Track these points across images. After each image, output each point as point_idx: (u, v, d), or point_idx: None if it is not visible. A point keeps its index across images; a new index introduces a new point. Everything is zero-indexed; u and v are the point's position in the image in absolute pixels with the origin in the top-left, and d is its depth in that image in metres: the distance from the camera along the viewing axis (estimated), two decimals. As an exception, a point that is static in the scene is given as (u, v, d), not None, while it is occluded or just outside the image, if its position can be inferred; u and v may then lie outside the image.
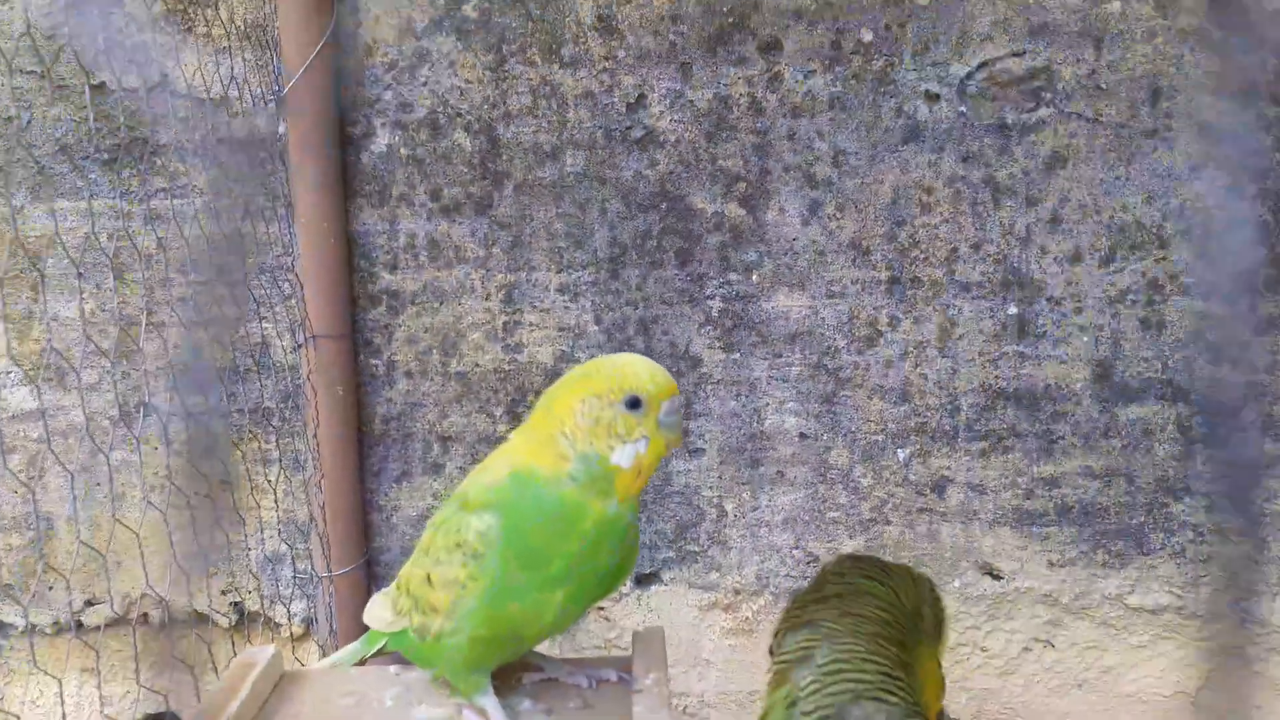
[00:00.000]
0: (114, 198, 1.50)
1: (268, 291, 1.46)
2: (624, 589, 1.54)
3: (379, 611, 0.99)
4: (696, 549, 1.52)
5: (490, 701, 0.90)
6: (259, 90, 1.44)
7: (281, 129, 1.44)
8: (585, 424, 0.83)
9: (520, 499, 0.84)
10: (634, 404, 0.83)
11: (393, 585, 0.99)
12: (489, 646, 0.87)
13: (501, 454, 0.90)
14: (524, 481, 0.85)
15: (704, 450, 1.50)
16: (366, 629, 1.01)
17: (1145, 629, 1.50)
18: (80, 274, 1.45)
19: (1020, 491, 1.49)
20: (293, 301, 1.46)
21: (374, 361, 1.50)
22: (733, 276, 1.47)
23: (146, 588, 1.06)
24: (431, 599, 0.88)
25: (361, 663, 1.03)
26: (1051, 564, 1.50)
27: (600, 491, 0.83)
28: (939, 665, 0.95)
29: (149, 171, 1.50)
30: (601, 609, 1.55)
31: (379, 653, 1.02)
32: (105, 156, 1.49)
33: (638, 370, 0.84)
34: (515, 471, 0.86)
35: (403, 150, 1.46)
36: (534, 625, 0.86)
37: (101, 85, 1.48)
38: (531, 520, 0.84)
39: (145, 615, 1.62)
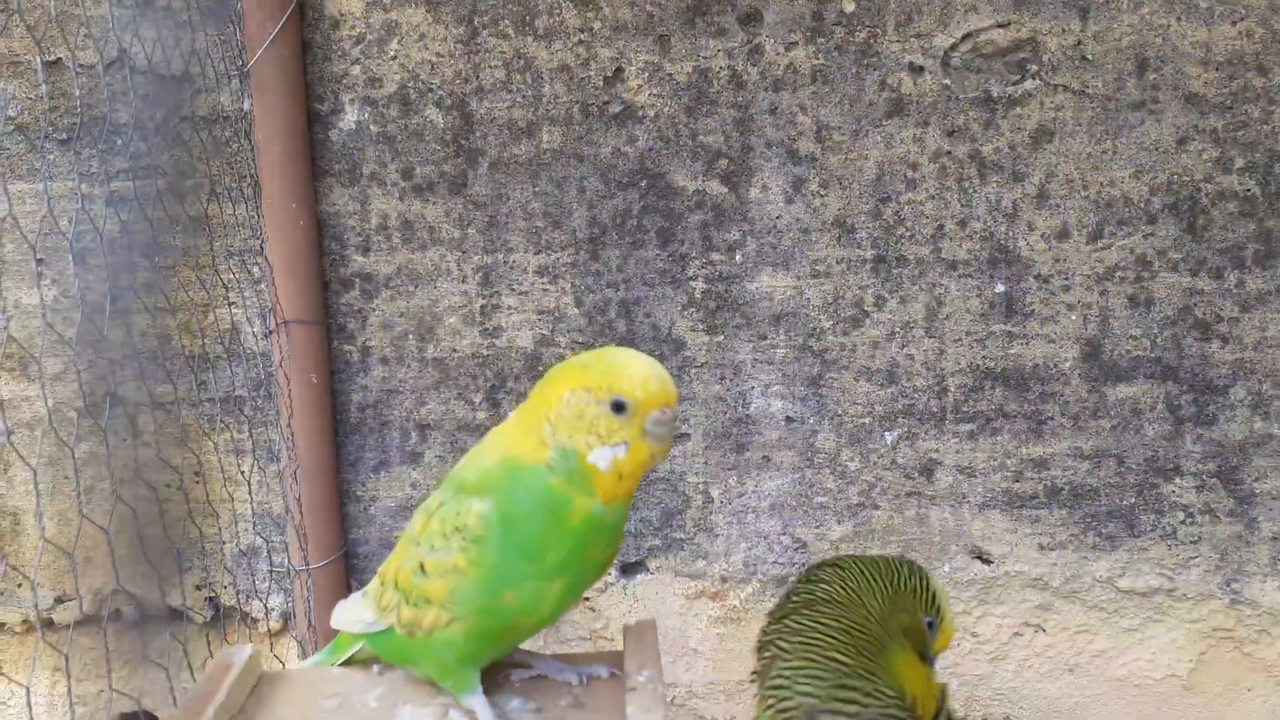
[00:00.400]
0: (73, 179, 1.44)
1: (236, 276, 1.42)
2: (609, 578, 1.50)
3: (355, 614, 0.94)
4: (683, 536, 1.49)
5: (479, 700, 0.86)
6: (222, 66, 1.39)
7: (246, 106, 1.39)
8: (568, 415, 0.80)
9: (512, 486, 0.81)
10: (619, 407, 0.79)
11: (371, 585, 0.94)
12: (483, 639, 0.84)
13: (496, 436, 0.87)
14: (512, 469, 0.82)
15: (689, 435, 1.47)
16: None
17: (1136, 612, 1.48)
18: (40, 259, 1.40)
19: (1009, 474, 1.46)
20: (262, 286, 1.42)
21: (348, 348, 1.45)
22: (715, 256, 1.43)
23: (116, 584, 1.01)
24: (425, 589, 0.84)
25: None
26: (1042, 547, 1.48)
27: (581, 489, 0.80)
28: (922, 665, 0.92)
29: (109, 152, 1.45)
30: (587, 599, 1.51)
31: (348, 661, 0.98)
32: (63, 136, 1.44)
33: (632, 373, 0.79)
34: (504, 458, 0.83)
35: (372, 127, 1.41)
36: (531, 616, 0.84)
37: (57, 61, 1.42)
38: (523, 508, 0.81)
39: (118, 612, 1.57)
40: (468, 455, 0.89)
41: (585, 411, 0.79)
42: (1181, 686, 1.50)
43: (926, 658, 0.92)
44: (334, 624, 0.96)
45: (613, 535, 0.84)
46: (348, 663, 0.98)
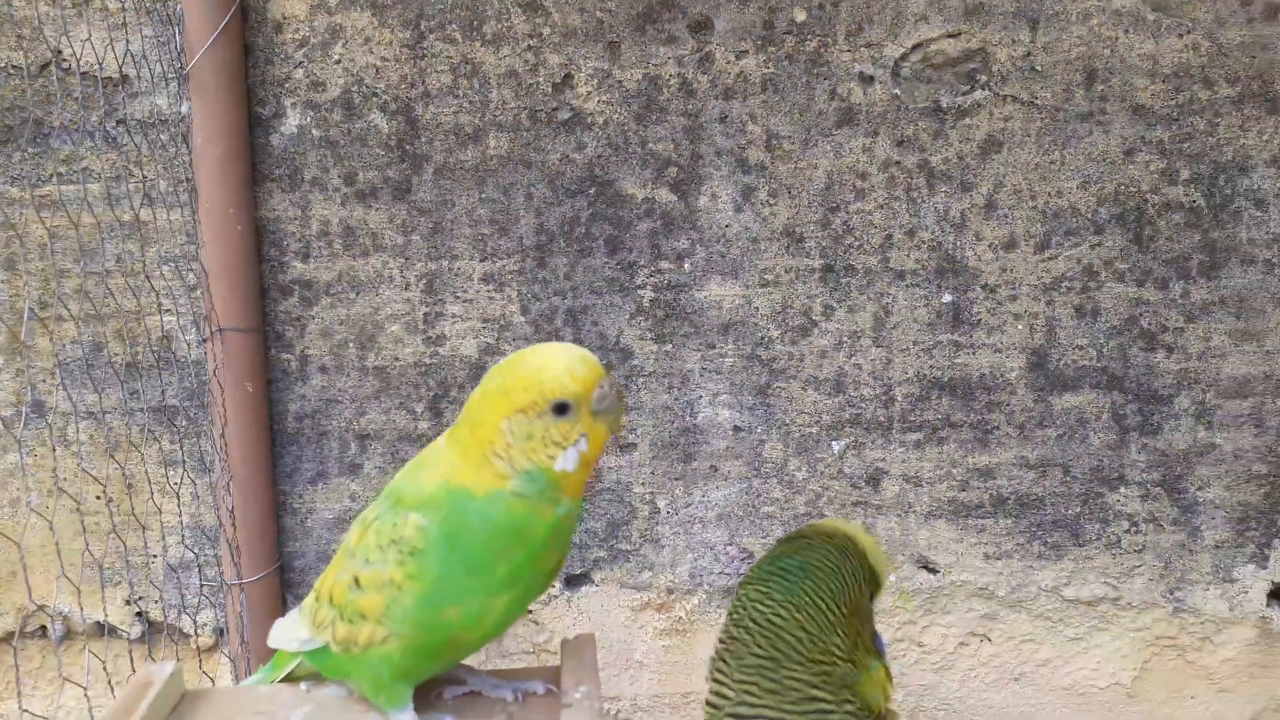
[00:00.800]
0: (3, 183, 1.40)
1: (170, 282, 1.38)
2: (554, 590, 1.48)
3: (291, 631, 0.91)
4: (628, 547, 1.47)
5: (408, 717, 0.84)
6: (160, 68, 1.35)
7: (185, 109, 1.35)
8: (518, 441, 0.77)
9: (459, 511, 0.78)
10: (562, 409, 0.77)
11: (307, 600, 0.92)
12: (421, 656, 0.81)
13: (432, 463, 0.83)
14: (461, 497, 0.79)
15: (635, 445, 1.45)
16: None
17: (1081, 621, 1.49)
18: (-36, 264, 1.36)
19: (955, 483, 1.46)
20: (198, 293, 1.38)
21: (285, 356, 1.42)
22: (664, 265, 1.42)
23: (29, 601, 0.98)
24: (360, 604, 0.81)
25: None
26: (987, 556, 1.48)
27: (550, 499, 0.78)
28: (879, 663, 0.90)
29: (42, 156, 1.40)
30: (530, 612, 1.49)
31: (288, 678, 0.95)
32: (-10, 137, 1.39)
33: (555, 372, 0.77)
34: (450, 487, 0.79)
35: (315, 131, 1.38)
36: (474, 632, 0.81)
37: (-15, 60, 1.37)
38: (474, 533, 0.78)
39: (43, 629, 1.52)
40: (404, 471, 0.87)
41: (533, 431, 0.77)
42: (1125, 694, 1.50)
43: (877, 643, 0.91)
44: (271, 642, 0.93)
45: (569, 535, 0.83)
46: (288, 678, 0.95)
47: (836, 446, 1.46)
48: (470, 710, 0.89)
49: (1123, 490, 1.46)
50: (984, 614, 1.49)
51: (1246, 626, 1.48)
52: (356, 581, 0.81)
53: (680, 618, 1.48)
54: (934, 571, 1.48)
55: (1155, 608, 1.48)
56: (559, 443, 0.77)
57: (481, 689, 0.91)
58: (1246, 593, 1.47)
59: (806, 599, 0.86)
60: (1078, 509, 1.46)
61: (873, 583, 0.91)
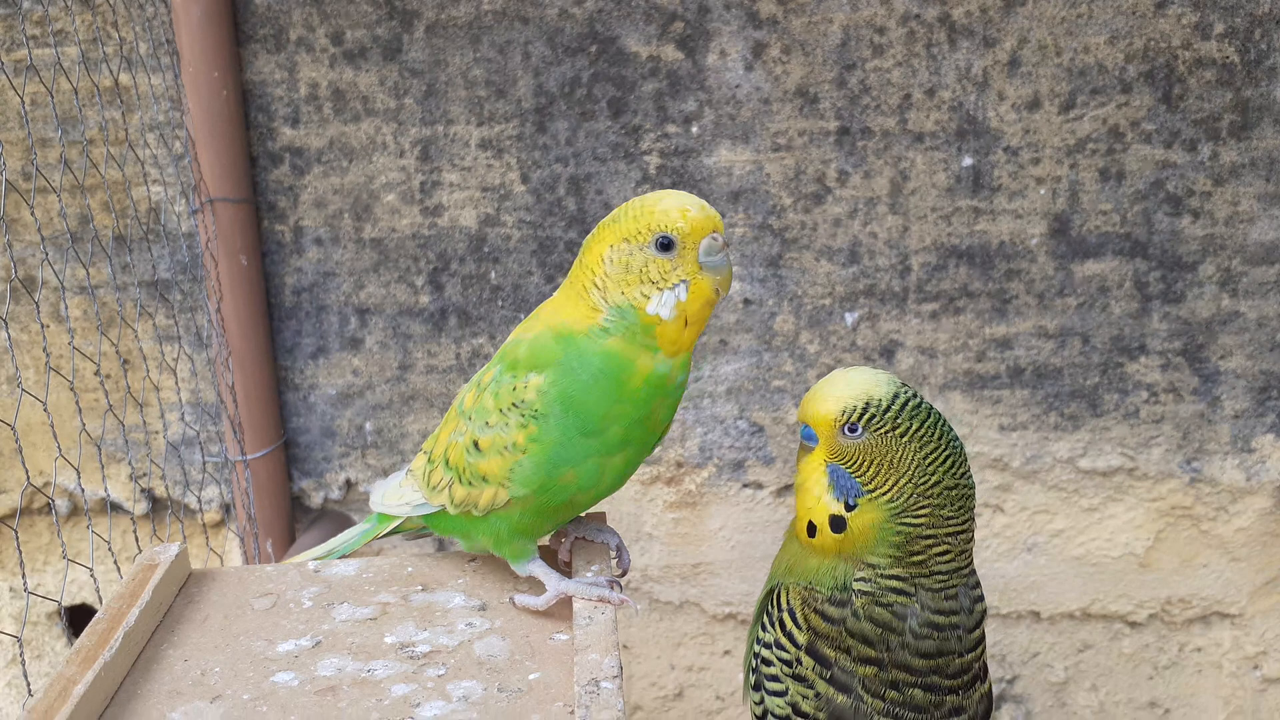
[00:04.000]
0: (-26, 47, 1.33)
1: (156, 151, 1.32)
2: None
3: (399, 495, 0.90)
4: (636, 421, 1.44)
5: (538, 566, 0.83)
6: (130, -81, 1.27)
7: (159, -36, 1.28)
8: (615, 272, 0.75)
9: (567, 356, 0.76)
10: (665, 245, 0.74)
11: (416, 461, 0.89)
12: (542, 515, 0.81)
13: (541, 310, 0.82)
14: (564, 338, 0.77)
15: (642, 317, 1.41)
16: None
17: (1096, 492, 1.47)
18: (-61, 134, 1.30)
19: (972, 354, 1.43)
20: (185, 162, 1.32)
21: (279, 227, 1.37)
22: (671, 129, 1.35)
23: (28, 483, 0.95)
24: (481, 467, 0.80)
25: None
26: (1002, 428, 1.45)
27: (643, 345, 0.75)
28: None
29: (13, 18, 1.33)
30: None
31: (392, 533, 0.93)
32: (-42, -2, 1.32)
33: (666, 206, 0.74)
34: (554, 328, 0.78)
35: (299, -12, 1.31)
36: (591, 491, 0.80)
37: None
38: (580, 379, 0.76)
39: (48, 506, 1.51)
40: (516, 330, 0.84)
41: (631, 262, 0.74)
42: (1138, 564, 1.50)
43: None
44: (376, 507, 0.91)
45: (676, 393, 0.79)
46: (392, 534, 0.94)
47: (850, 318, 1.41)
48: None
49: (1143, 359, 1.42)
50: (997, 485, 1.47)
51: (1263, 496, 1.46)
52: (476, 445, 0.80)
53: (690, 491, 1.47)
54: (947, 443, 1.46)
55: (1171, 478, 1.46)
56: (656, 281, 0.74)
57: (588, 535, 0.90)
58: (1264, 462, 1.45)
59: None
60: (1096, 379, 1.43)
61: None
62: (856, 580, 0.81)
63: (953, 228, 1.39)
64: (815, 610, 0.82)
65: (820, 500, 0.81)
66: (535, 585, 0.85)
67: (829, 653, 0.81)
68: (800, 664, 0.82)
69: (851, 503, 0.80)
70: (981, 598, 0.84)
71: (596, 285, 0.76)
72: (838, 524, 0.80)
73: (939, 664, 0.81)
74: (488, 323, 1.41)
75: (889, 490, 0.79)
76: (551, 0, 1.31)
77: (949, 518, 0.80)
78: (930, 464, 0.79)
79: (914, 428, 0.79)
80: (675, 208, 0.74)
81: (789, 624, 0.83)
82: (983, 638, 0.85)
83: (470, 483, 0.81)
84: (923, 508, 0.79)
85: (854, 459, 0.80)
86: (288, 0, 1.31)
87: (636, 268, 0.74)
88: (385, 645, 0.80)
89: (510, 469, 0.78)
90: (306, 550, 1.22)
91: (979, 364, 1.43)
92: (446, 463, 0.84)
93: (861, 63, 1.34)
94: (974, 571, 0.85)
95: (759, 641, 0.86)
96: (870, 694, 0.81)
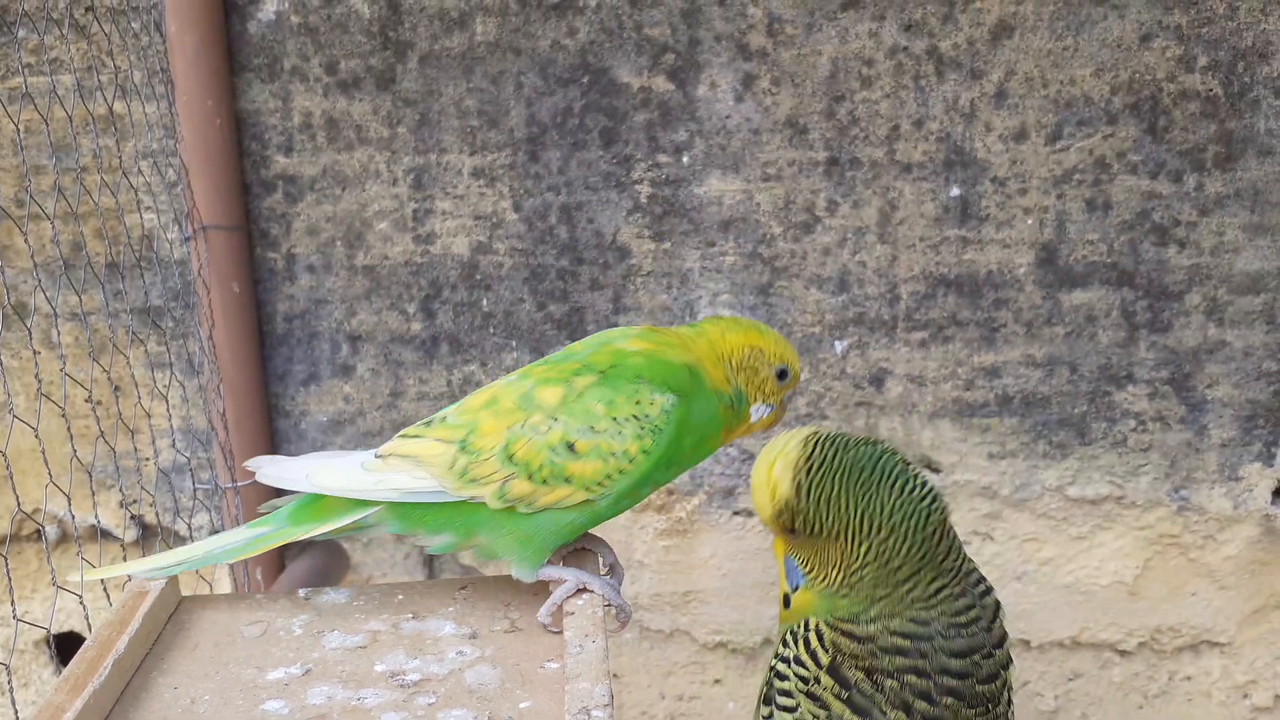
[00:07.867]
0: (-31, 75, 1.34)
1: (149, 179, 1.33)
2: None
3: (384, 480, 0.85)
4: (626, 449, 1.45)
5: (551, 569, 0.87)
6: (127, -51, 1.29)
7: (155, -6, 1.29)
8: (747, 368, 0.92)
9: (697, 392, 0.89)
10: (783, 375, 0.94)
11: (429, 449, 0.86)
12: (592, 520, 0.87)
13: (652, 335, 0.92)
14: (697, 378, 0.89)
15: (633, 345, 1.42)
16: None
17: (1085, 520, 1.48)
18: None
19: (960, 382, 1.43)
20: (178, 189, 1.33)
21: (271, 255, 1.37)
22: (662, 158, 1.37)
23: (19, 510, 0.95)
24: (571, 468, 0.83)
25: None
26: (991, 456, 1.46)
27: (729, 425, 0.92)
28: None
29: (8, 46, 1.34)
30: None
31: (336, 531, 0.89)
32: (-46, 27, 1.33)
33: (794, 351, 0.96)
34: (691, 368, 0.90)
35: (294, 18, 1.32)
36: (628, 507, 0.90)
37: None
38: (699, 417, 0.88)
39: (38, 532, 1.51)
40: (599, 335, 0.93)
41: (760, 370, 0.93)
42: (1127, 592, 1.50)
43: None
44: (313, 488, 0.86)
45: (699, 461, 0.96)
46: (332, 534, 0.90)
47: (839, 346, 1.42)
48: (471, 618, 0.89)
49: (1130, 388, 1.43)
50: (986, 513, 1.48)
51: (1250, 524, 1.47)
52: (570, 446, 0.83)
53: (681, 518, 1.47)
54: (937, 471, 1.46)
55: (1159, 506, 1.47)
56: (765, 394, 0.93)
57: (588, 545, 0.95)
58: (1251, 491, 1.46)
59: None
60: (1084, 407, 1.44)
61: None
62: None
63: (941, 257, 1.40)
64: (844, 634, 0.85)
65: (781, 582, 0.93)
66: (536, 601, 0.85)
67: (851, 674, 0.84)
68: (818, 683, 0.85)
69: (794, 587, 0.91)
70: (989, 590, 0.91)
71: (731, 364, 0.93)
72: (787, 602, 0.92)
73: (970, 665, 0.85)
74: (479, 350, 1.42)
75: (819, 581, 0.88)
76: (544, 32, 1.33)
77: (900, 565, 0.85)
78: (857, 541, 0.86)
79: (828, 517, 0.86)
80: (796, 356, 0.96)
81: (814, 643, 0.86)
82: (1005, 635, 0.90)
83: (545, 480, 0.83)
84: (865, 566, 0.85)
85: (796, 552, 0.90)
86: (282, 30, 1.32)
87: (761, 377, 0.93)
88: (375, 673, 0.80)
89: (609, 475, 0.84)
90: (288, 578, 1.22)
91: (968, 392, 1.44)
92: (510, 458, 0.84)
93: (850, 94, 1.36)
94: (972, 571, 0.91)
95: (778, 656, 0.89)
96: (896, 708, 0.83)
